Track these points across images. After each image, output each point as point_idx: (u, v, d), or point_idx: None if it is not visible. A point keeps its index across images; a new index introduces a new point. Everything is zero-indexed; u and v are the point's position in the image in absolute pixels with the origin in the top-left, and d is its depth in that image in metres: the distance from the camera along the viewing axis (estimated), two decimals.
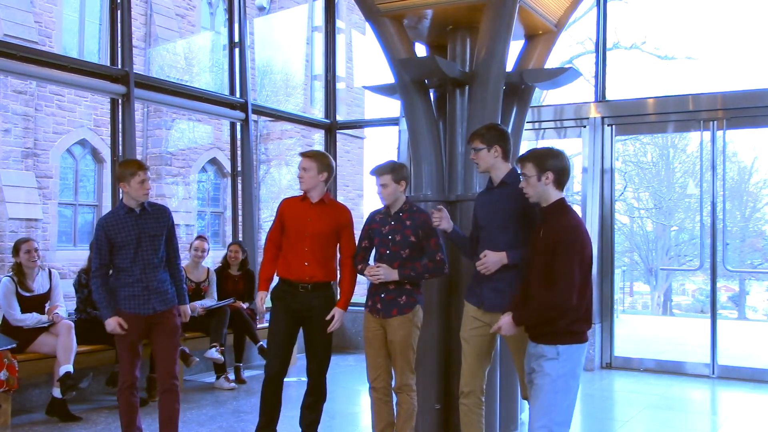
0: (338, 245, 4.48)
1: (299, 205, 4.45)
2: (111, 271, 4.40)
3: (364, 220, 4.48)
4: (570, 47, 17.38)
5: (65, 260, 14.01)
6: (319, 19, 14.79)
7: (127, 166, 4.35)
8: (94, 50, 15.79)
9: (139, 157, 11.85)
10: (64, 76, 6.52)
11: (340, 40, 12.07)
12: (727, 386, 7.22)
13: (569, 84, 5.35)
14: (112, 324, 4.32)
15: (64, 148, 15.27)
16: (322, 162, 4.38)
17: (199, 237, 7.12)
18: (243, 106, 8.16)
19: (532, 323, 3.41)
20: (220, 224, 18.18)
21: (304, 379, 4.56)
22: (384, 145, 27.22)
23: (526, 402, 3.92)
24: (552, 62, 5.71)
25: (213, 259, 7.74)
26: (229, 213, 11.02)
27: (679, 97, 8.00)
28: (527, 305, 3.40)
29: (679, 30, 24.67)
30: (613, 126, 8.09)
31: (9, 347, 5.29)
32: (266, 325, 5.94)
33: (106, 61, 8.02)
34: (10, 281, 5.60)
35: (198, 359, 6.48)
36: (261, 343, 6.72)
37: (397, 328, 4.22)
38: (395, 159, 8.64)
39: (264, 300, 4.44)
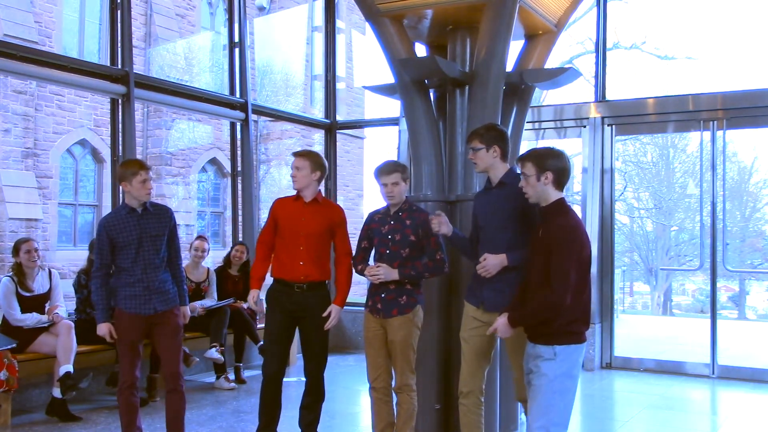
0: (332, 244, 4.49)
1: (293, 204, 4.45)
2: (112, 271, 4.40)
3: (364, 220, 4.48)
4: (570, 47, 17.39)
5: (65, 260, 14.00)
6: (319, 19, 14.79)
7: (128, 166, 4.35)
8: (94, 50, 15.78)
9: (139, 157, 11.85)
10: (64, 76, 6.52)
11: (340, 40, 12.07)
12: (727, 386, 7.22)
13: (569, 84, 5.35)
14: (104, 330, 4.35)
15: (64, 148, 15.26)
16: (315, 161, 4.39)
17: (199, 237, 7.12)
18: (243, 106, 8.16)
19: (527, 324, 3.42)
20: (220, 224, 18.17)
21: (304, 379, 4.56)
22: (384, 145, 27.22)
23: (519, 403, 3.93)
24: (552, 62, 5.71)
25: (213, 259, 7.74)
26: (229, 213, 11.02)
27: (679, 97, 8.00)
28: (524, 306, 3.40)
29: (679, 30, 24.70)
30: (613, 126, 8.09)
31: (9, 347, 5.29)
32: None
33: (106, 61, 8.02)
34: (10, 281, 5.60)
35: (198, 359, 6.48)
36: (261, 343, 6.72)
37: (398, 328, 4.22)
38: (395, 159, 8.67)
39: (255, 298, 4.43)
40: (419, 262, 4.24)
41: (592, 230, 7.92)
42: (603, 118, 8.03)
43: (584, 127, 8.12)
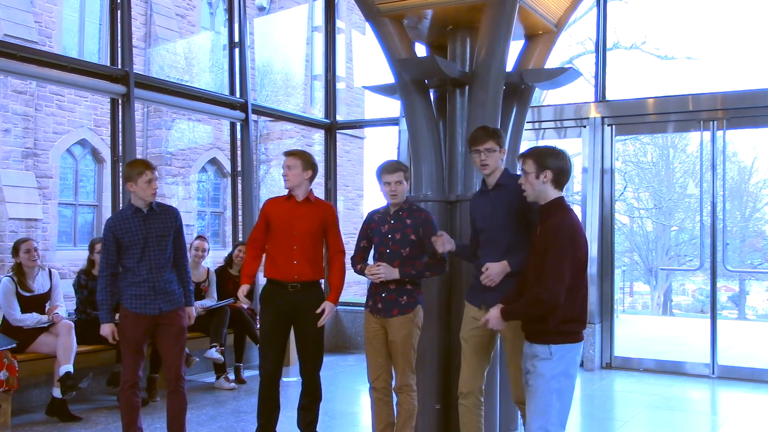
0: (324, 242, 4.50)
1: (285, 204, 4.45)
2: (119, 271, 4.40)
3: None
4: (570, 47, 17.39)
5: (65, 260, 13.99)
6: (319, 19, 14.78)
7: (134, 166, 4.37)
8: (94, 50, 15.78)
9: (140, 157, 11.84)
10: (64, 76, 6.52)
11: (340, 40, 12.07)
12: (727, 386, 7.22)
13: (569, 84, 5.35)
14: (107, 330, 4.35)
15: (64, 148, 15.26)
16: (307, 160, 4.41)
17: (199, 237, 7.12)
18: (243, 106, 8.16)
19: (519, 318, 3.43)
20: (220, 224, 18.17)
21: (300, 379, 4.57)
22: (384, 145, 27.21)
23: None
24: (552, 62, 5.71)
25: (213, 259, 7.74)
26: (229, 213, 11.02)
27: (679, 97, 8.01)
28: (518, 301, 3.41)
29: (679, 30, 24.70)
30: (613, 126, 8.09)
31: (9, 347, 5.29)
32: None
33: (106, 61, 8.02)
34: (10, 281, 5.60)
35: (198, 359, 6.48)
36: None
37: (399, 328, 4.22)
38: (395, 159, 8.67)
39: (245, 292, 4.41)
40: (419, 262, 4.24)
41: (592, 230, 7.92)
42: (603, 118, 8.03)
43: (584, 127, 8.12)
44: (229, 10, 8.40)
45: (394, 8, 5.10)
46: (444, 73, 4.80)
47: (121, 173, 6.82)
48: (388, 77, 5.34)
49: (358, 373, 7.34)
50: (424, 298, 4.40)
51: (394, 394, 4.36)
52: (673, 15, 28.44)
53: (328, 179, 9.22)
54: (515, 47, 5.31)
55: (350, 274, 4.57)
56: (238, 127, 8.29)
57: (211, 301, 6.82)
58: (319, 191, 10.15)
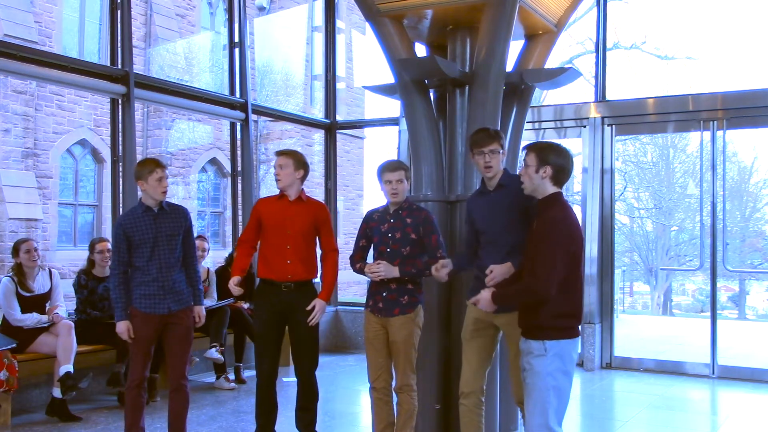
0: (317, 241, 4.50)
1: (277, 203, 4.46)
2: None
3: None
4: (570, 47, 17.38)
5: (65, 260, 13.98)
6: (319, 19, 14.78)
7: (144, 165, 4.39)
8: (94, 50, 15.78)
9: (139, 156, 11.82)
10: (64, 76, 6.52)
11: (340, 40, 12.07)
12: (727, 386, 7.22)
13: (569, 84, 5.35)
14: (122, 328, 4.34)
15: (64, 148, 15.26)
16: (298, 159, 4.42)
17: (199, 237, 7.10)
18: (243, 106, 8.16)
19: (509, 304, 3.47)
20: (220, 224, 18.17)
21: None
22: (384, 145, 27.21)
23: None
24: (552, 62, 5.71)
25: (213, 259, 7.74)
26: (229, 213, 11.02)
27: (679, 97, 8.01)
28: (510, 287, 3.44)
29: (679, 30, 24.69)
30: (613, 126, 8.09)
31: (9, 347, 5.29)
32: None
33: (106, 61, 8.02)
34: (10, 281, 5.61)
35: (198, 359, 6.48)
36: None
37: (400, 328, 4.22)
38: (395, 159, 8.66)
39: (237, 282, 4.38)
40: (420, 261, 4.24)
41: (592, 230, 7.92)
42: (603, 118, 8.03)
43: (584, 127, 8.12)
44: (229, 10, 8.40)
45: (394, 8, 5.10)
46: (444, 73, 4.80)
47: (121, 173, 6.83)
48: (388, 77, 5.34)
49: (358, 373, 7.34)
50: (425, 298, 4.40)
51: (394, 394, 4.36)
52: (673, 15, 28.46)
53: (328, 179, 9.22)
54: (515, 47, 5.31)
55: (350, 273, 4.57)
56: (238, 127, 8.29)
57: (211, 301, 6.82)
58: (319, 191, 10.18)
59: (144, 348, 4.38)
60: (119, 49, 6.86)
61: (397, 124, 8.72)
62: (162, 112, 16.22)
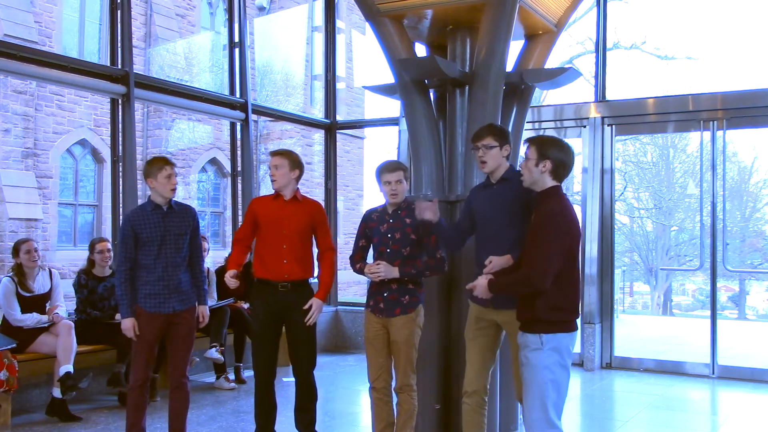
0: (314, 240, 4.51)
1: (272, 203, 4.46)
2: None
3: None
4: (570, 47, 17.38)
5: (65, 260, 13.98)
6: (319, 19, 14.77)
7: (154, 163, 4.40)
8: (94, 50, 15.78)
9: (139, 157, 11.81)
10: (64, 76, 6.52)
11: (340, 40, 12.06)
12: (727, 386, 7.22)
13: (569, 84, 5.35)
14: (128, 324, 4.34)
15: (64, 148, 15.26)
16: (293, 159, 4.42)
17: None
18: (243, 106, 8.16)
19: (505, 293, 3.48)
20: (220, 224, 18.16)
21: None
22: (384, 145, 27.21)
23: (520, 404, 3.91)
24: (552, 62, 5.71)
25: (213, 259, 7.74)
26: (229, 213, 11.02)
27: (679, 97, 8.01)
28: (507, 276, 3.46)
29: (679, 30, 24.67)
30: (613, 126, 8.08)
31: (9, 347, 5.29)
32: None
33: (106, 61, 8.01)
34: (11, 281, 5.61)
35: (198, 359, 6.48)
36: None
37: (401, 328, 4.22)
38: (395, 159, 8.67)
39: (233, 275, 4.37)
40: (419, 261, 4.24)
41: (592, 230, 7.92)
42: (603, 118, 8.03)
43: (584, 127, 8.12)
44: (229, 10, 8.40)
45: (394, 8, 5.10)
46: (444, 73, 4.80)
47: (121, 173, 6.83)
48: (388, 77, 5.34)
49: (358, 373, 7.34)
50: (425, 297, 4.40)
51: (394, 394, 4.36)
52: (673, 15, 28.46)
53: (328, 179, 9.22)
54: (515, 47, 5.31)
55: (350, 273, 4.57)
56: (238, 127, 8.29)
57: (211, 300, 6.82)
58: (319, 191, 10.18)
59: (148, 348, 4.39)
60: (119, 49, 6.86)
61: (397, 124, 8.72)
62: (162, 112, 16.22)
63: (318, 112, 15.66)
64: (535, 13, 5.10)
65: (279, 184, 4.40)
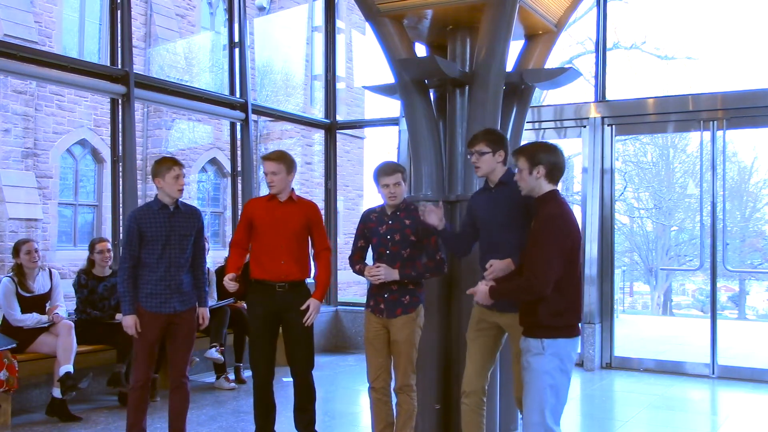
0: (310, 240, 4.51)
1: (268, 204, 4.45)
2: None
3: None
4: (570, 47, 17.38)
5: (65, 260, 13.99)
6: (319, 19, 14.78)
7: (162, 163, 4.41)
8: (94, 50, 15.78)
9: (139, 157, 11.84)
10: (64, 76, 6.52)
11: (340, 40, 12.07)
12: (727, 386, 7.22)
13: (569, 84, 5.35)
14: (129, 322, 4.33)
15: (64, 148, 15.26)
16: (289, 163, 4.41)
17: None
18: (243, 106, 8.16)
19: (506, 299, 3.47)
20: (220, 224, 18.17)
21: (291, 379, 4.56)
22: (384, 145, 27.22)
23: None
24: (552, 62, 5.71)
25: (213, 259, 7.74)
26: (229, 213, 11.02)
27: (679, 97, 8.01)
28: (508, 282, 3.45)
29: (679, 30, 24.68)
30: (613, 126, 8.08)
31: (9, 347, 5.29)
32: None
33: (106, 61, 8.01)
34: (11, 282, 5.61)
35: (198, 359, 6.48)
36: None
37: (402, 327, 4.22)
38: (395, 159, 8.67)
39: (232, 279, 4.37)
40: (419, 262, 4.24)
41: (592, 230, 7.92)
42: (603, 118, 8.03)
43: (584, 127, 8.12)
44: (229, 10, 8.40)
45: (394, 8, 5.10)
46: (444, 73, 4.80)
47: (121, 173, 6.83)
48: (388, 77, 5.34)
49: (358, 373, 7.33)
50: (425, 297, 4.40)
51: (393, 394, 4.35)
52: (673, 15, 28.46)
53: (328, 179, 9.22)
54: (515, 47, 5.31)
55: (350, 274, 4.57)
56: (238, 127, 8.29)
57: (211, 300, 6.82)
58: (319, 191, 10.17)
59: (149, 348, 4.39)
60: (119, 49, 6.86)
61: (397, 124, 8.72)
62: (162, 112, 16.22)
63: (318, 112, 15.66)
64: (535, 13, 5.10)
65: (277, 190, 4.40)
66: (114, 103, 6.91)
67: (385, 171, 4.21)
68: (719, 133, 7.67)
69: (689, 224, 22.70)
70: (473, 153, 3.94)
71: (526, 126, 5.79)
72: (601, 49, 8.12)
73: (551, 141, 6.69)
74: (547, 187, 3.37)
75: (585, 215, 7.98)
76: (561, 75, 5.15)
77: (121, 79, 6.76)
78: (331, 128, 9.35)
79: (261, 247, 4.43)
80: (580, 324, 3.41)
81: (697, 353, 8.11)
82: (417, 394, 4.33)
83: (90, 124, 15.52)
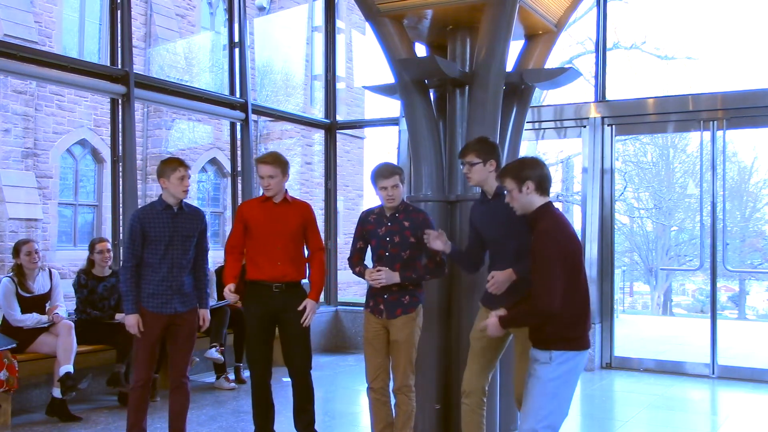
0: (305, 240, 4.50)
1: (262, 206, 4.44)
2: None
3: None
4: (570, 47, 17.37)
5: (65, 260, 13.99)
6: (319, 19, 14.78)
7: (168, 163, 4.41)
8: (94, 50, 15.78)
9: (139, 156, 11.84)
10: (64, 76, 6.52)
11: (340, 40, 12.07)
12: (727, 386, 7.22)
13: (569, 84, 5.35)
14: (132, 321, 4.33)
15: (64, 148, 15.26)
16: (284, 164, 4.40)
17: None
18: (243, 106, 8.16)
19: (515, 326, 3.45)
20: (220, 224, 18.17)
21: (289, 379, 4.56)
22: (384, 145, 27.22)
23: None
24: (552, 62, 5.71)
25: (213, 259, 7.73)
26: (229, 213, 11.03)
27: (679, 97, 8.01)
28: (517, 309, 3.42)
29: (679, 30, 24.71)
30: (613, 126, 8.08)
31: (9, 347, 5.29)
32: None
33: (106, 61, 8.02)
34: (11, 282, 5.61)
35: (198, 359, 6.48)
36: None
37: (402, 327, 4.21)
38: (395, 159, 8.67)
39: (232, 290, 4.36)
40: (419, 263, 4.24)
41: (592, 230, 7.92)
42: (603, 118, 8.03)
43: (584, 127, 8.12)
44: (229, 10, 8.40)
45: (394, 8, 5.10)
46: (444, 73, 4.80)
47: (121, 173, 6.83)
48: (388, 77, 5.34)
49: (358, 373, 7.33)
50: (425, 298, 4.40)
51: (392, 395, 4.35)
52: (673, 15, 28.47)
53: (328, 179, 9.22)
54: (515, 47, 5.31)
55: (349, 274, 4.56)
56: (238, 127, 8.29)
57: (211, 300, 6.81)
58: (319, 191, 10.17)
59: (150, 348, 4.39)
60: (119, 49, 6.86)
61: (397, 124, 8.72)
62: (162, 112, 16.22)
63: (318, 112, 15.67)
64: (535, 13, 5.10)
65: (274, 192, 4.38)
66: (114, 103, 6.91)
67: (382, 173, 4.18)
68: (719, 133, 7.67)
69: (689, 224, 22.71)
70: (464, 164, 3.97)
71: (526, 126, 5.79)
72: (601, 49, 8.12)
73: (551, 143, 6.69)
74: (539, 200, 3.36)
75: (585, 215, 7.98)
76: (561, 75, 5.15)
77: (121, 79, 6.76)
78: (331, 128, 9.35)
79: (257, 248, 4.42)
80: (587, 334, 3.37)
81: (697, 353, 8.11)
82: (417, 395, 4.33)
83: (90, 124, 15.52)
